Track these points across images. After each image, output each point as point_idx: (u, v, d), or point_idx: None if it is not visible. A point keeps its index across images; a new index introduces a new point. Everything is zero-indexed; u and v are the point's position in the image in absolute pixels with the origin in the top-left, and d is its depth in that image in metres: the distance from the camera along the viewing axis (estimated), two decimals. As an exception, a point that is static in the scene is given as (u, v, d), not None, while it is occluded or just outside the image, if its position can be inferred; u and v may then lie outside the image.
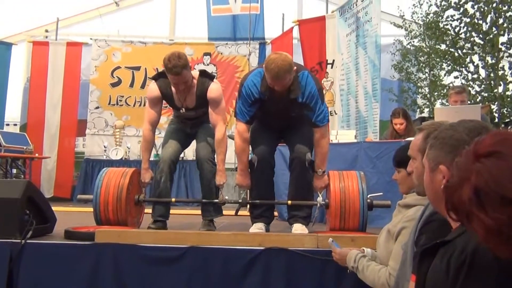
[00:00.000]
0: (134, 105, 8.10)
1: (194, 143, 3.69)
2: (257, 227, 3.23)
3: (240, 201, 3.39)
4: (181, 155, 4.47)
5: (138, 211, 3.50)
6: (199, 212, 3.61)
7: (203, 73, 3.44)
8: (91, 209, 3.30)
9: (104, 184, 3.23)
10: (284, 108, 3.12)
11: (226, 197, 3.46)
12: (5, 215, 2.65)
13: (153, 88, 3.43)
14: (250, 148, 3.38)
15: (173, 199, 3.60)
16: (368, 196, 3.14)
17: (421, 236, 1.41)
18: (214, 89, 3.36)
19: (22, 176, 6.74)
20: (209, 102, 3.37)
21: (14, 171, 6.78)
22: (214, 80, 3.44)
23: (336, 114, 6.50)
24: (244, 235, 2.75)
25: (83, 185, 7.22)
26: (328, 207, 3.21)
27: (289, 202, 3.28)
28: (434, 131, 1.42)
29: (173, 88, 3.38)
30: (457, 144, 1.11)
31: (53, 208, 3.10)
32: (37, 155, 6.92)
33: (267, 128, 3.35)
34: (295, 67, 2.99)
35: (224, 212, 3.66)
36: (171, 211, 3.60)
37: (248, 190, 3.43)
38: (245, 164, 3.24)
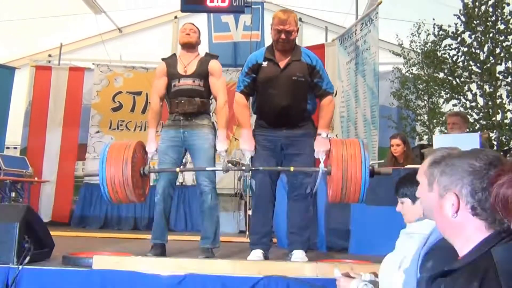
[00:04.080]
0: (134, 130, 8.13)
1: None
2: (256, 255, 3.19)
3: (243, 168, 3.29)
4: (180, 180, 4.50)
5: (144, 182, 3.43)
6: (198, 238, 3.59)
7: (208, 53, 3.74)
8: (89, 234, 3.29)
9: (109, 158, 3.19)
10: (286, 73, 3.20)
11: (230, 165, 3.41)
12: (3, 240, 2.64)
13: (160, 64, 3.69)
14: (250, 173, 3.38)
15: (178, 169, 3.42)
16: (370, 163, 3.07)
17: (427, 262, 1.40)
18: (215, 63, 3.59)
19: (21, 199, 6.72)
20: (210, 73, 3.53)
21: (13, 194, 6.75)
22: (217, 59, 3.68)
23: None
24: (243, 263, 2.73)
25: (81, 209, 7.19)
26: (330, 173, 3.07)
27: (292, 168, 3.13)
28: (441, 157, 1.43)
29: (178, 56, 3.65)
30: (468, 172, 1.11)
31: (51, 233, 3.09)
32: (36, 178, 6.91)
33: (268, 154, 3.28)
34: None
35: (223, 239, 3.64)
36: (170, 237, 3.58)
37: (249, 218, 3.40)
38: (247, 125, 3.28)
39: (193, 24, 3.70)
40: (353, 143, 3.08)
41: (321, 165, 3.10)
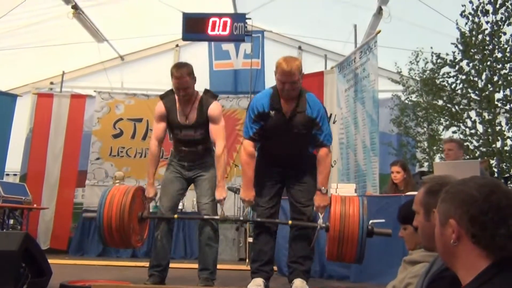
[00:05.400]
0: (135, 156, 8.12)
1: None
2: (256, 283, 3.17)
3: (241, 218, 3.36)
4: (180, 207, 4.49)
5: (142, 228, 3.45)
6: (197, 265, 3.55)
7: (207, 91, 3.66)
8: (88, 262, 3.25)
9: (108, 200, 3.21)
10: (290, 127, 3.19)
11: (227, 214, 3.43)
12: (0, 268, 2.61)
13: (159, 105, 3.61)
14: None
15: (176, 216, 3.50)
16: (370, 222, 3.08)
17: None
18: (214, 107, 3.53)
19: (19, 227, 6.65)
20: (209, 119, 3.49)
21: (11, 221, 6.70)
22: (216, 100, 3.62)
23: (333, 166, 6.52)
24: (243, 291, 2.69)
25: (80, 236, 7.13)
26: (328, 230, 3.12)
27: (290, 222, 3.24)
28: (438, 185, 1.43)
29: (177, 104, 3.52)
30: (467, 200, 1.11)
31: (49, 260, 3.05)
32: (35, 205, 6.86)
33: (270, 173, 3.33)
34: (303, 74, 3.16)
35: (223, 267, 3.60)
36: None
37: (249, 245, 3.39)
38: (250, 177, 3.26)
39: (182, 69, 3.47)
40: (353, 202, 3.14)
41: (320, 220, 3.16)
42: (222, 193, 3.40)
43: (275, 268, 4.06)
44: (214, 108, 3.52)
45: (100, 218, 3.18)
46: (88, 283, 2.80)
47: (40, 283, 2.88)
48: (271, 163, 3.36)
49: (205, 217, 3.42)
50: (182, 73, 3.42)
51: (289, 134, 3.21)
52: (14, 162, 7.80)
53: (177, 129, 3.58)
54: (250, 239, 4.34)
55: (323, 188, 3.17)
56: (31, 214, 7.02)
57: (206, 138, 3.54)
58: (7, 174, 7.90)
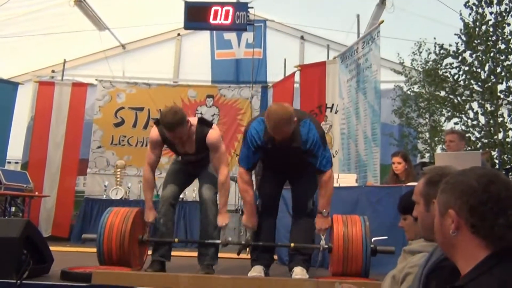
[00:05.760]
0: (136, 145, 8.14)
1: (196, 181, 3.76)
2: (256, 271, 3.20)
3: (242, 242, 3.38)
4: (181, 196, 4.52)
5: (141, 251, 3.47)
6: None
7: (201, 120, 3.51)
8: (89, 249, 3.28)
9: (108, 227, 3.21)
10: (287, 155, 3.18)
11: (229, 239, 3.46)
12: (2, 254, 2.63)
13: (154, 132, 3.48)
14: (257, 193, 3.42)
15: (176, 240, 3.55)
16: (373, 240, 3.11)
17: (430, 283, 1.38)
18: (212, 135, 3.42)
19: (21, 214, 6.68)
20: (209, 148, 3.44)
21: (13, 209, 6.73)
22: (213, 126, 3.51)
23: (334, 156, 6.52)
24: (243, 279, 2.71)
25: (81, 224, 7.15)
26: (331, 251, 3.18)
27: (292, 244, 3.27)
28: (438, 175, 1.43)
29: None
30: (466, 190, 1.11)
31: (51, 248, 3.08)
32: (36, 193, 6.89)
33: (273, 172, 3.40)
34: (296, 118, 3.03)
35: (225, 255, 3.63)
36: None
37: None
38: (250, 204, 3.26)
39: (173, 121, 3.22)
40: (355, 221, 3.17)
41: (322, 242, 3.18)
42: (224, 219, 3.40)
43: (275, 257, 4.08)
44: (212, 136, 3.41)
45: (101, 241, 3.19)
46: (89, 270, 2.82)
47: (42, 270, 2.90)
48: (273, 170, 3.43)
49: (206, 241, 3.42)
50: (174, 126, 3.23)
51: (287, 161, 3.25)
52: (16, 150, 7.82)
53: (177, 155, 3.64)
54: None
55: (324, 211, 3.18)
56: (33, 202, 7.05)
57: (208, 158, 3.55)
58: (9, 162, 7.92)
